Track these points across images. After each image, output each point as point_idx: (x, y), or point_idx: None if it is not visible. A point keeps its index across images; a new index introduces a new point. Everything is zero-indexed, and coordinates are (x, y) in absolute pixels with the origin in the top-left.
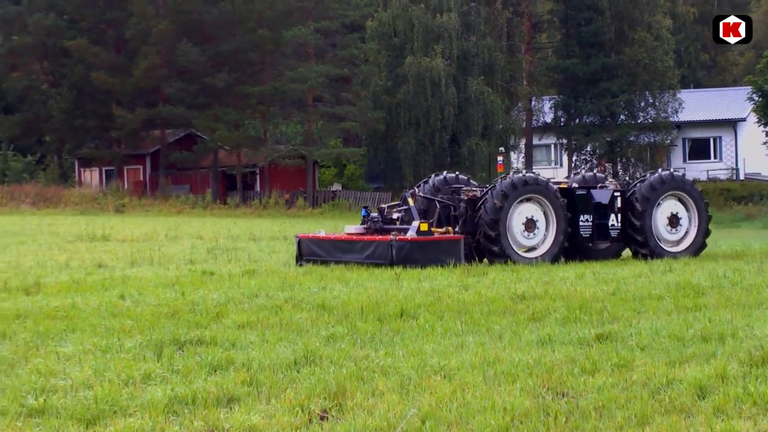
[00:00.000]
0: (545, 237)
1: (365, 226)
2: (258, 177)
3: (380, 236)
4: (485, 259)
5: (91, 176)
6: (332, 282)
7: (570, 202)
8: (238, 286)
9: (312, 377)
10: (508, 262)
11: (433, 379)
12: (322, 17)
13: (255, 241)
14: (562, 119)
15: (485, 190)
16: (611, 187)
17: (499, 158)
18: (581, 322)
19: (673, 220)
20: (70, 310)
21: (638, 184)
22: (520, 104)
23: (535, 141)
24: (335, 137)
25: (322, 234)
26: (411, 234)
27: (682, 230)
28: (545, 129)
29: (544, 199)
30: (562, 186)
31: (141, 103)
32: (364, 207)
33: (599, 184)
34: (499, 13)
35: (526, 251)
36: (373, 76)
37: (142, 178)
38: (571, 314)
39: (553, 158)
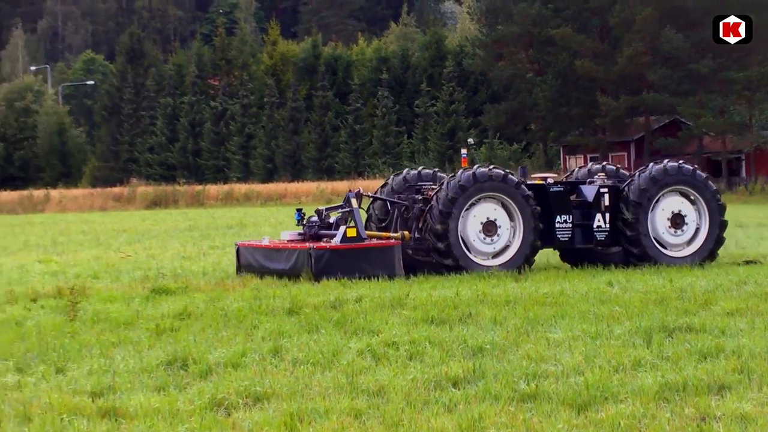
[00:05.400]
0: (511, 240)
1: (302, 231)
2: (743, 163)
3: (303, 244)
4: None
5: (576, 163)
6: None
7: (543, 201)
8: (726, 273)
9: None
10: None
11: None
12: None
13: (742, 228)
14: None
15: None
16: (599, 182)
17: (463, 151)
18: None
19: (677, 220)
20: (559, 296)
21: (637, 174)
22: None
23: None
24: None
25: (266, 242)
26: (335, 241)
27: (687, 234)
28: None
29: (504, 197)
30: (537, 182)
31: (625, 91)
32: (297, 209)
33: (588, 180)
34: None
35: (488, 258)
36: None
37: (626, 165)
38: None
39: None
